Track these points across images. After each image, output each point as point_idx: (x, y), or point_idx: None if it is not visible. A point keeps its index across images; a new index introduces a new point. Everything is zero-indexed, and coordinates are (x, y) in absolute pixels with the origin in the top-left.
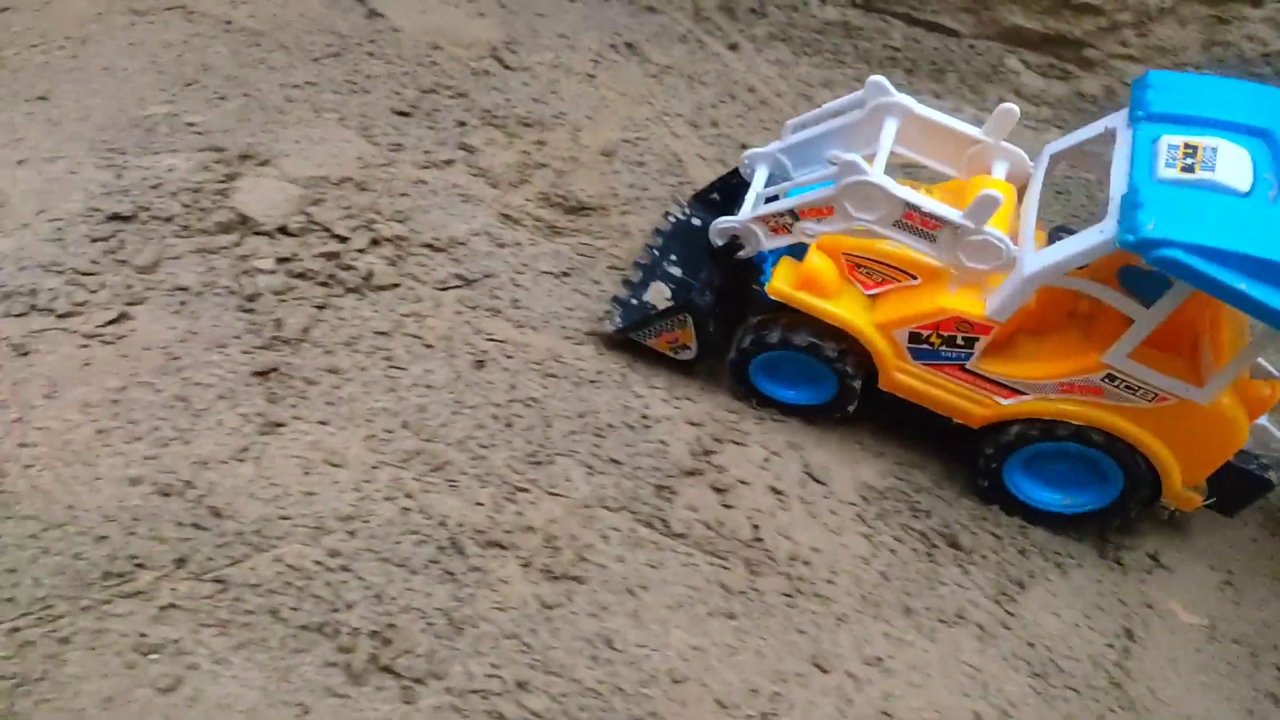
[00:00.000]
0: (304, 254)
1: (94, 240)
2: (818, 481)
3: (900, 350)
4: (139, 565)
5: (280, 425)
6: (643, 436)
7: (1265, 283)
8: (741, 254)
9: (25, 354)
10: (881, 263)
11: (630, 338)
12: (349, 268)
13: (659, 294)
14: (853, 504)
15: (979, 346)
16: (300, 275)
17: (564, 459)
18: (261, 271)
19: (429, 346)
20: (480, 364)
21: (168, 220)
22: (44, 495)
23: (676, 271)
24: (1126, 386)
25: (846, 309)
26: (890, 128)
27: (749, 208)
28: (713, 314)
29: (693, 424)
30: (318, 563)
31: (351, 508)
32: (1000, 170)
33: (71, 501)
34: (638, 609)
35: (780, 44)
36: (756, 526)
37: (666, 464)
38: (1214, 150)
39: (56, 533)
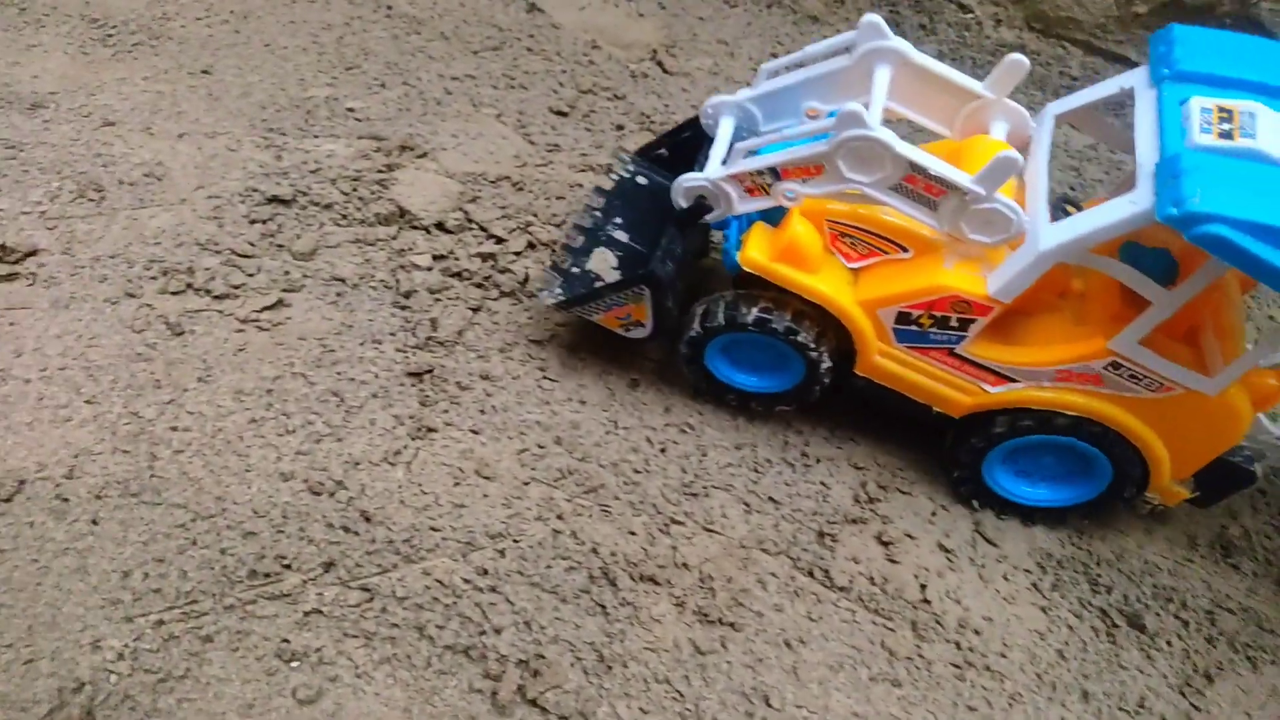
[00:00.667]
0: (460, 253)
1: (252, 222)
2: (990, 543)
3: (884, 331)
4: (286, 566)
5: (433, 430)
6: (803, 476)
7: None
8: (709, 217)
9: (180, 334)
10: (871, 232)
11: (574, 313)
12: (505, 270)
13: (603, 262)
14: (1028, 571)
15: (974, 329)
16: (456, 275)
17: (720, 493)
18: (418, 268)
19: (582, 360)
20: (635, 383)
21: (326, 207)
22: (194, 484)
23: (623, 236)
24: (1131, 376)
25: (829, 285)
26: (883, 76)
27: (716, 164)
28: (674, 286)
29: (857, 467)
30: (466, 580)
31: (502, 525)
32: (1000, 131)
33: (221, 493)
34: (796, 665)
35: (949, 63)
36: (924, 586)
37: (828, 509)
38: (1252, 115)
39: (205, 525)
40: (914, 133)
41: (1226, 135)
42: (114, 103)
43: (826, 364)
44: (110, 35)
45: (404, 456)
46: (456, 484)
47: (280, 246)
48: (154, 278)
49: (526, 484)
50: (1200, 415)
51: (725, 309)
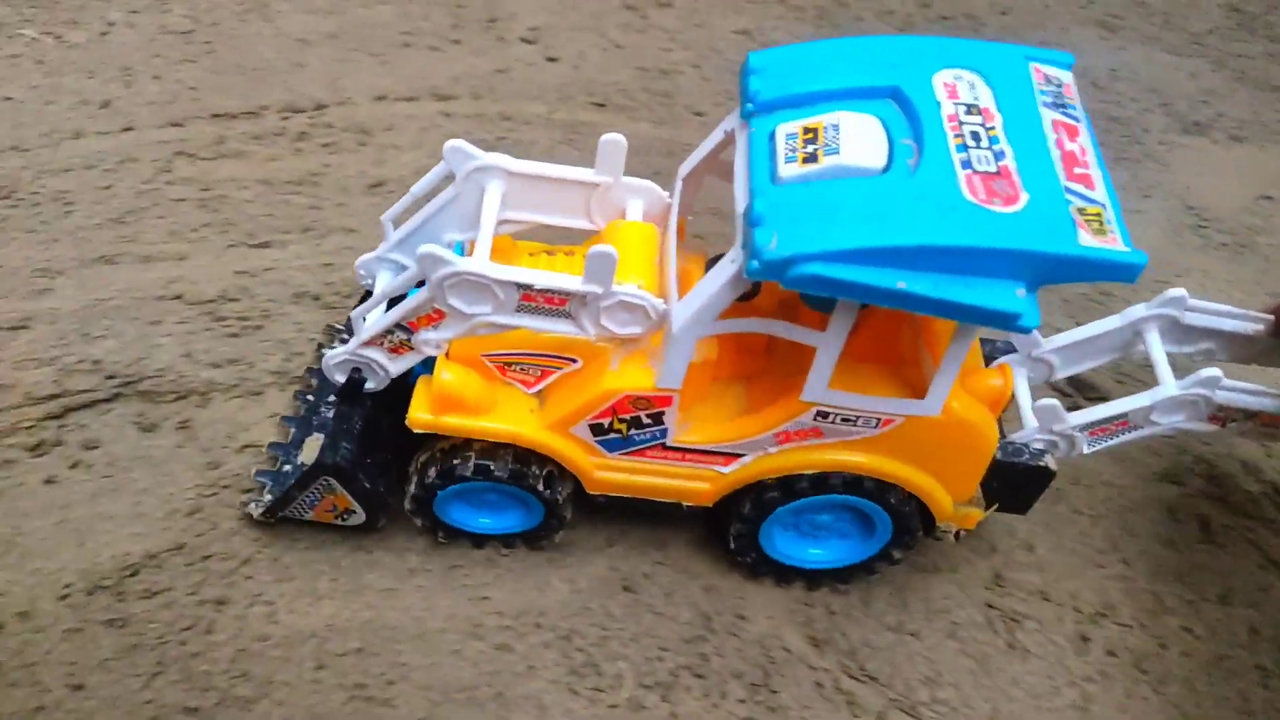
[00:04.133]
0: None
1: None
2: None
3: (590, 446)
4: None
5: None
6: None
7: (925, 271)
8: (370, 386)
9: None
10: (530, 354)
11: (285, 516)
12: None
13: (314, 451)
14: None
15: (670, 419)
16: None
17: None
18: None
19: None
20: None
21: None
22: None
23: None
24: (844, 420)
25: (508, 419)
26: (493, 195)
27: (362, 329)
28: (360, 466)
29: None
30: None
31: None
32: (636, 209)
33: None
34: None
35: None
36: None
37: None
38: (836, 128)
39: None
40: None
41: (811, 158)
42: None
43: (561, 497)
44: None
45: None
46: None
47: None
48: None
49: None
50: (938, 436)
51: (441, 463)
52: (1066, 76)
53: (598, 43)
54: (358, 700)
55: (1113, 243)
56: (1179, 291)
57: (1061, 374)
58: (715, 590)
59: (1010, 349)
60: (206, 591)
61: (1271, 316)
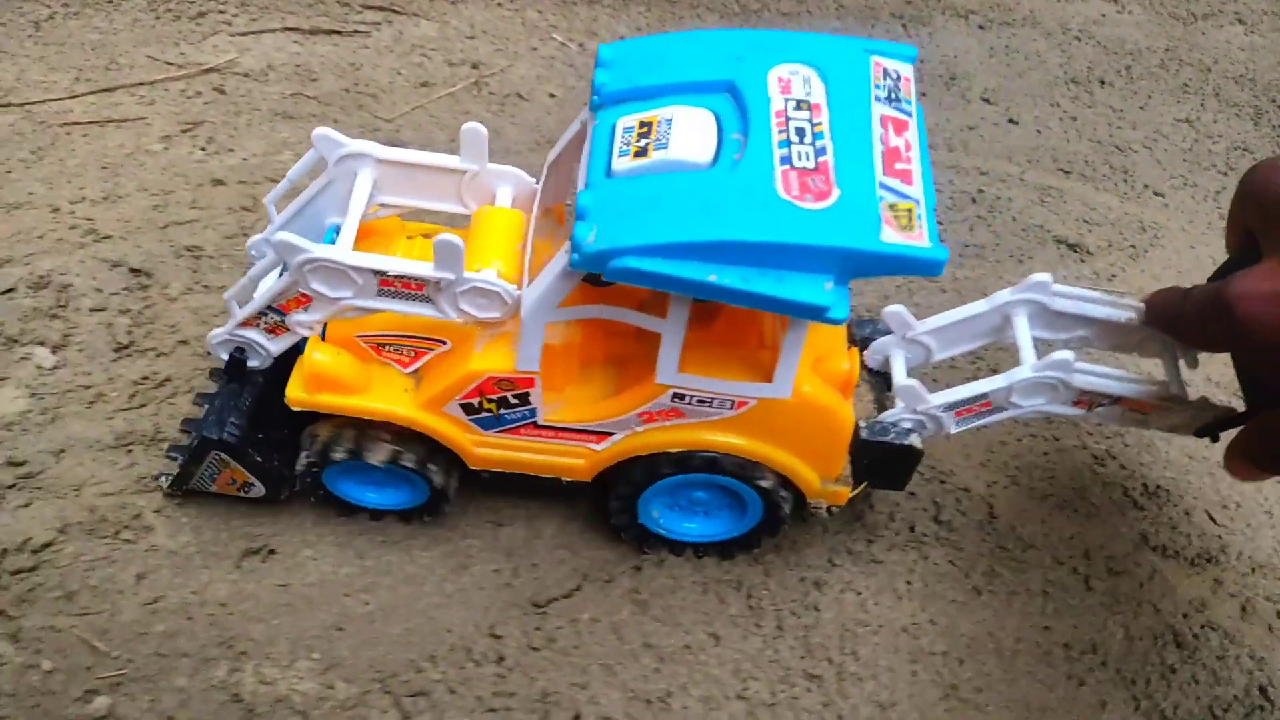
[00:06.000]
0: None
1: None
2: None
3: (465, 425)
4: None
5: None
6: None
7: (735, 265)
8: (254, 364)
9: None
10: (401, 335)
11: (192, 489)
12: None
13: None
14: None
15: (536, 400)
16: None
17: None
18: None
19: None
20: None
21: None
22: None
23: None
24: (700, 401)
25: (383, 398)
26: (364, 181)
27: (236, 311)
28: (249, 440)
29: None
30: None
31: None
32: (505, 196)
33: None
34: None
35: None
36: None
37: None
38: (669, 122)
39: None
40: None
41: (642, 152)
42: None
43: (440, 479)
44: None
45: None
46: None
47: None
48: None
49: None
50: (793, 417)
51: (322, 443)
52: (907, 70)
53: (1053, 112)
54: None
55: (917, 239)
56: (1043, 276)
57: (940, 356)
58: None
59: (888, 331)
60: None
61: (1141, 304)
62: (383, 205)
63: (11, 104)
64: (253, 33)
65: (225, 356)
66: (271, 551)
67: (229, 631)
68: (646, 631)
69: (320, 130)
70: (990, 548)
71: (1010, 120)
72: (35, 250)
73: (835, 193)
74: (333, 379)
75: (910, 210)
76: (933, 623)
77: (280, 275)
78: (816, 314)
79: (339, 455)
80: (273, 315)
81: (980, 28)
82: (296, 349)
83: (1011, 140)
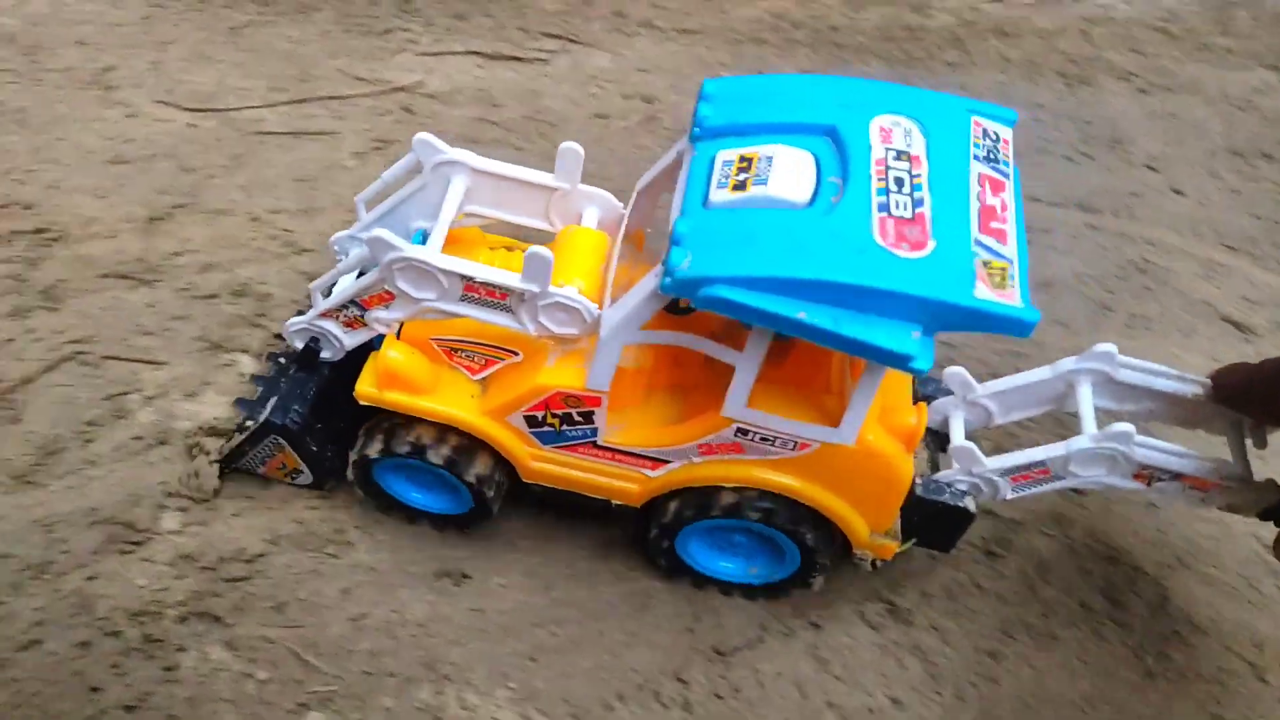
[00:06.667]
0: None
1: None
2: None
3: (525, 436)
4: None
5: None
6: None
7: (825, 305)
8: (327, 355)
9: None
10: (478, 342)
11: (240, 469)
12: None
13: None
14: None
15: (600, 420)
16: None
17: None
18: None
19: None
20: None
21: None
22: None
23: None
24: (762, 438)
25: (449, 402)
26: (457, 188)
27: (319, 302)
28: (310, 429)
29: None
30: None
31: None
32: (592, 217)
33: None
34: None
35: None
36: None
37: None
38: (769, 160)
39: None
40: (525, 233)
41: (741, 186)
42: None
43: (490, 491)
44: None
45: None
46: None
47: None
48: None
49: None
50: (852, 465)
51: (383, 438)
52: (1006, 132)
53: (1215, 183)
54: None
55: (1009, 298)
56: (1108, 346)
57: (1000, 420)
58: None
59: (949, 392)
60: None
61: (1209, 380)
62: (470, 214)
63: (214, 108)
64: (437, 54)
65: (300, 345)
66: (465, 575)
67: (430, 654)
68: (828, 690)
69: (420, 135)
70: (1162, 630)
71: (1174, 190)
72: (237, 258)
73: (931, 244)
74: (405, 378)
75: (1004, 269)
76: (1107, 702)
77: (359, 274)
78: (901, 362)
79: (403, 450)
80: (353, 309)
81: (1141, 91)
82: (364, 347)
83: (1175, 210)
